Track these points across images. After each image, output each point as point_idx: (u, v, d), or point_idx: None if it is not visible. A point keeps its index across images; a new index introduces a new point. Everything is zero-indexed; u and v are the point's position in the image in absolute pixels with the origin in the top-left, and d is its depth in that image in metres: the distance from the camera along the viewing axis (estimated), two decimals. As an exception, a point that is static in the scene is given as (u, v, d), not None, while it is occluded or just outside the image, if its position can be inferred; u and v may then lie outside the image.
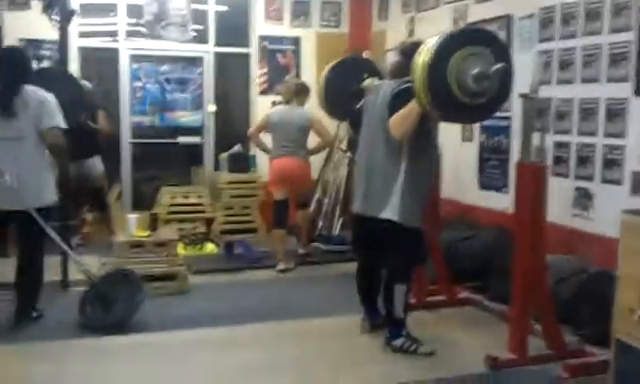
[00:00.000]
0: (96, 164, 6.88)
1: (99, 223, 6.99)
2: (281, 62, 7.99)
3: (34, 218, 4.34)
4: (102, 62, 7.68)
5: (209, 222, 7.24)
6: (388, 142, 4.06)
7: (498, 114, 4.35)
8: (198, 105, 8.00)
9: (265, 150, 6.54)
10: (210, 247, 6.91)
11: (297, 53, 8.04)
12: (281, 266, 6.22)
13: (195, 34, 7.79)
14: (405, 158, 4.04)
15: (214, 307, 5.09)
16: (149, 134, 7.79)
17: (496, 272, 5.01)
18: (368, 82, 4.70)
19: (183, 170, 7.99)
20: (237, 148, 7.49)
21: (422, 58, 3.65)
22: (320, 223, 7.40)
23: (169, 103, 7.94)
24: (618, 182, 4.47)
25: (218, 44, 7.92)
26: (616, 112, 4.47)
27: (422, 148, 4.08)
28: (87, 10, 7.28)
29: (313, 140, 6.50)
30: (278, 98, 6.84)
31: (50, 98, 4.50)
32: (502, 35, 5.46)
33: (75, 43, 7.08)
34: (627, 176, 4.39)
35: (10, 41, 6.51)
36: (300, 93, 6.40)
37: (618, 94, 4.45)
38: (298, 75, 7.90)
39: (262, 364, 3.99)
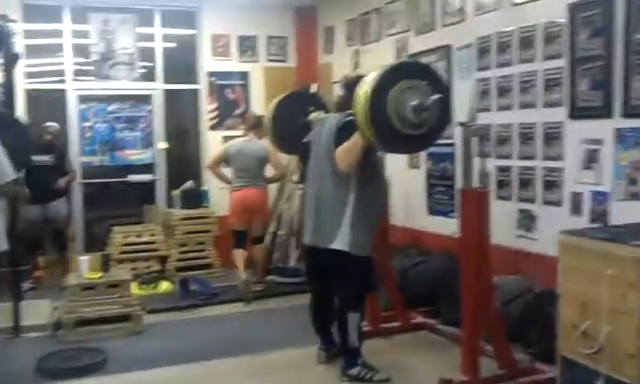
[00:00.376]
0: (61, 206, 6.91)
1: (54, 266, 6.91)
2: (230, 97, 8.07)
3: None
4: (49, 103, 7.63)
5: (163, 259, 7.21)
6: (335, 174, 4.14)
7: (442, 140, 4.50)
8: (148, 142, 8.00)
9: (225, 180, 6.64)
10: (164, 285, 6.84)
11: (245, 87, 8.15)
12: (245, 276, 6.38)
13: (143, 71, 7.82)
14: (353, 189, 4.13)
15: (170, 346, 5.05)
16: (99, 174, 7.75)
17: (446, 296, 5.10)
18: (314, 115, 4.80)
19: (135, 209, 7.94)
20: (189, 184, 7.50)
21: (363, 92, 3.76)
22: (275, 255, 7.44)
23: (118, 142, 7.92)
24: (558, 203, 4.63)
25: (166, 81, 7.95)
26: (553, 135, 4.65)
27: (369, 178, 4.18)
28: (33, 51, 7.25)
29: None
30: (237, 132, 6.90)
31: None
32: (442, 65, 5.68)
33: (21, 85, 7.03)
34: (566, 197, 4.56)
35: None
36: (257, 125, 6.53)
37: (553, 118, 4.63)
38: (247, 109, 7.98)
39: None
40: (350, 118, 3.99)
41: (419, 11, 6.12)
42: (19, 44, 6.27)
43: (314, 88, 7.63)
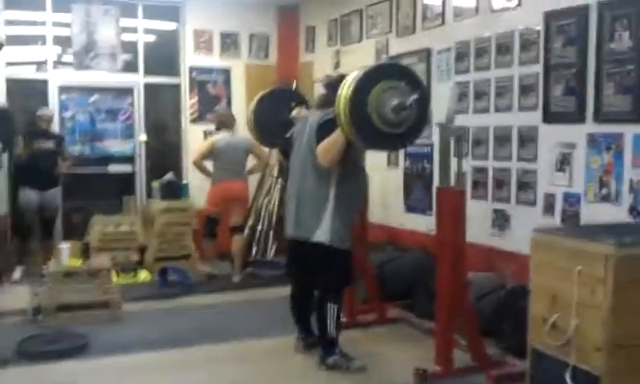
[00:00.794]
0: (57, 194, 7.07)
1: (40, 253, 6.97)
2: (211, 91, 8.13)
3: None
4: (30, 92, 7.61)
5: (142, 249, 7.24)
6: (316, 170, 4.27)
7: (421, 140, 4.66)
8: (129, 134, 8.02)
9: (208, 174, 6.81)
10: (143, 275, 6.90)
11: (227, 83, 8.20)
12: (207, 269, 6.88)
13: (125, 64, 7.84)
14: (333, 184, 4.26)
15: (148, 333, 5.12)
16: (79, 164, 7.75)
17: (422, 291, 5.26)
18: (296, 111, 4.93)
19: (114, 199, 7.93)
20: (169, 176, 7.54)
21: (344, 92, 3.89)
22: (254, 248, 7.53)
23: (99, 133, 7.94)
24: (531, 203, 4.80)
25: (148, 74, 7.99)
26: (528, 138, 4.82)
27: (349, 174, 4.31)
28: (14, 41, 7.24)
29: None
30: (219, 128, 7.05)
31: None
32: (421, 67, 5.82)
33: (3, 74, 7.02)
34: (540, 197, 4.73)
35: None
36: (233, 121, 6.89)
37: (528, 121, 4.80)
38: (229, 104, 8.07)
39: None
40: (332, 115, 4.10)
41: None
42: (1, 31, 6.29)
43: (293, 86, 7.76)
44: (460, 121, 5.13)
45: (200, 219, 7.03)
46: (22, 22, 7.51)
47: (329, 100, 4.26)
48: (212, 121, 7.27)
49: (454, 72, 5.54)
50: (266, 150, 6.81)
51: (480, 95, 5.27)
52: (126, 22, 7.86)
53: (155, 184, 7.55)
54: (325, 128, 4.19)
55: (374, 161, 5.72)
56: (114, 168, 7.96)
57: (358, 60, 6.77)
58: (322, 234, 4.24)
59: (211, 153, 6.72)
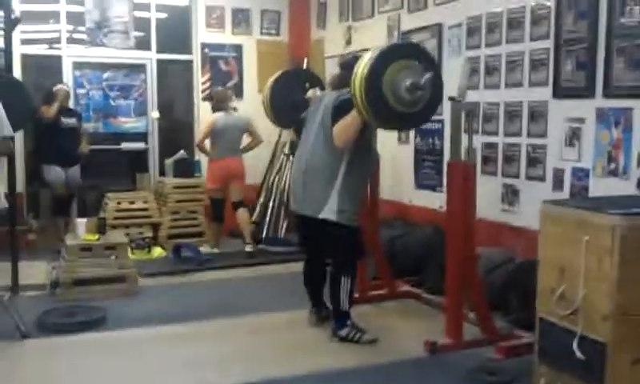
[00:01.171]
0: (78, 172, 7.16)
1: (48, 230, 7.09)
2: (223, 68, 8.17)
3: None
4: (44, 69, 7.70)
5: (155, 226, 7.34)
6: (327, 148, 4.32)
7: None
8: (141, 111, 8.10)
9: (207, 153, 6.97)
10: (157, 251, 7.01)
11: (239, 59, 8.24)
12: (214, 249, 6.98)
13: (137, 40, 7.89)
14: (344, 162, 4.31)
15: (163, 307, 5.22)
16: (92, 141, 7.82)
17: (432, 266, 5.33)
18: (311, 92, 4.98)
19: (128, 176, 8.06)
20: (181, 153, 7.63)
21: (359, 73, 3.94)
22: (266, 226, 7.62)
23: (112, 110, 8.01)
24: (541, 179, 4.84)
25: (160, 51, 8.03)
26: (538, 114, 4.85)
27: (360, 153, 4.36)
28: (28, 17, 7.29)
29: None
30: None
31: None
32: (433, 43, 5.84)
33: (17, 50, 7.08)
34: (549, 173, 4.76)
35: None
36: (229, 99, 7.10)
37: (538, 97, 4.83)
38: (241, 81, 8.12)
39: (213, 356, 4.17)
40: (347, 96, 4.15)
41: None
42: (17, 8, 6.35)
43: (304, 63, 7.81)
44: (471, 96, 5.19)
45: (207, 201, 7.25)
46: (35, -1, 7.57)
47: (344, 80, 4.31)
48: (209, 101, 7.32)
49: (465, 47, 5.55)
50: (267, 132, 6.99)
51: (491, 71, 5.28)
52: (138, -2, 7.90)
53: (168, 161, 7.66)
54: (341, 108, 4.25)
55: (385, 138, 5.76)
56: (127, 145, 8.05)
57: (370, 36, 6.82)
58: (330, 210, 4.30)
59: (211, 132, 6.85)
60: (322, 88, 5.09)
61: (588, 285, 3.06)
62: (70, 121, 7.04)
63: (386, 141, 6.01)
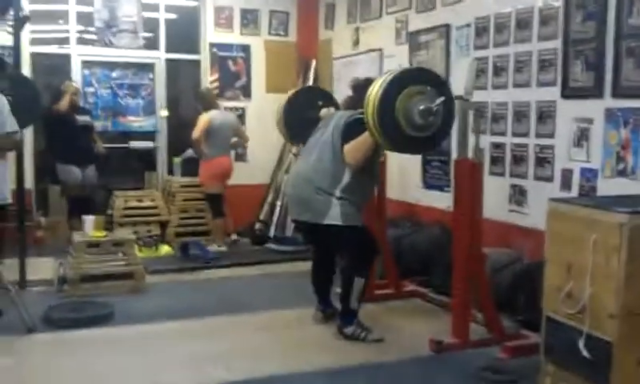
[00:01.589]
0: (94, 172, 7.02)
1: (56, 227, 7.10)
2: (232, 68, 8.19)
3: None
4: (54, 68, 7.72)
5: (163, 224, 7.37)
6: (333, 161, 4.35)
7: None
8: (150, 110, 8.12)
9: (201, 153, 6.98)
10: (165, 249, 7.04)
11: (247, 60, 8.26)
12: (221, 247, 6.97)
13: (146, 40, 7.92)
14: (348, 176, 4.33)
15: (171, 304, 5.24)
16: (101, 140, 7.85)
17: (438, 266, 5.32)
18: (325, 111, 5.00)
19: (136, 175, 8.09)
20: (190, 152, 7.66)
21: (372, 96, 3.97)
22: (273, 225, 7.63)
23: (121, 108, 8.04)
24: (549, 179, 4.81)
25: (169, 51, 8.06)
26: (546, 114, 4.84)
27: (365, 173, 4.40)
28: (37, 17, 7.33)
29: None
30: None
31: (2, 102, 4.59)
32: (441, 43, 5.84)
33: (27, 50, 7.12)
34: (557, 173, 4.74)
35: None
36: (216, 99, 7.33)
37: (547, 97, 4.81)
38: (249, 81, 8.15)
39: (219, 353, 4.19)
40: (359, 115, 4.20)
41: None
42: (26, 7, 6.39)
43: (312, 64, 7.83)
44: (479, 97, 5.19)
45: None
46: (45, -2, 7.61)
47: (356, 103, 4.38)
48: (199, 101, 7.32)
49: (473, 48, 5.55)
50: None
51: (499, 71, 5.28)
52: (147, -1, 7.94)
53: (176, 160, 7.69)
54: (353, 127, 4.30)
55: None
56: (135, 144, 8.07)
57: (378, 37, 6.83)
58: (334, 215, 4.31)
59: (207, 130, 6.87)
60: (337, 107, 5.12)
61: (595, 283, 3.05)
62: (84, 118, 6.97)
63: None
